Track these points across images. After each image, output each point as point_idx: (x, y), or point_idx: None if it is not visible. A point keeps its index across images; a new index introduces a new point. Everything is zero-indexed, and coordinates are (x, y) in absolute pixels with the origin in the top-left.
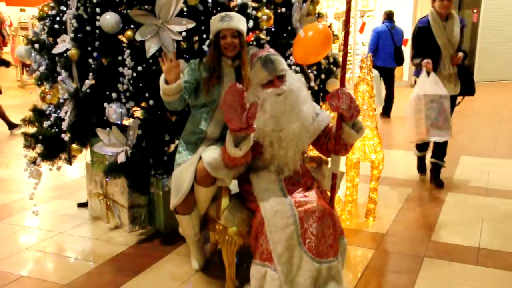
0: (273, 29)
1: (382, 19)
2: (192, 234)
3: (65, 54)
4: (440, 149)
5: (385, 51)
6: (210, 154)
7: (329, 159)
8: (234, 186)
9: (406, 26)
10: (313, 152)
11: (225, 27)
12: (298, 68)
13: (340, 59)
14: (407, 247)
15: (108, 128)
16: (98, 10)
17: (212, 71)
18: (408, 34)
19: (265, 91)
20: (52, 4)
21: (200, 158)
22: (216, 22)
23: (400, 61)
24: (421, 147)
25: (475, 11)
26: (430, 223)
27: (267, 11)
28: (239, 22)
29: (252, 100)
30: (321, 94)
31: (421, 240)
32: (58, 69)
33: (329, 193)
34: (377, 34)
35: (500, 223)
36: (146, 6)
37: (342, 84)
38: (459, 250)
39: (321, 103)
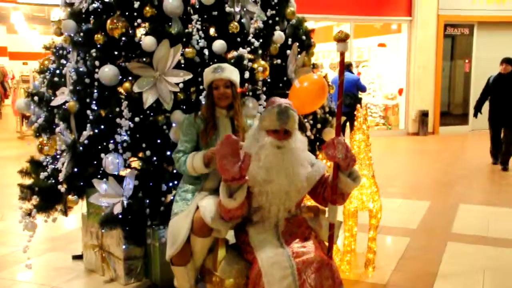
0: (269, 80)
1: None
2: (187, 287)
3: (63, 106)
4: None
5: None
6: (207, 204)
7: (326, 208)
8: (231, 237)
9: (401, 77)
10: (310, 202)
11: (218, 77)
12: None
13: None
14: None
15: (104, 179)
16: (97, 63)
17: (207, 121)
18: (402, 84)
19: (266, 138)
20: (52, 58)
21: (197, 208)
22: (209, 73)
23: (350, 105)
24: None
25: (466, 61)
26: (431, 273)
27: (262, 62)
28: (231, 73)
29: (250, 141)
30: (317, 143)
31: None
32: (56, 120)
33: (327, 243)
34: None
35: (502, 273)
36: (144, 59)
37: (338, 133)
38: None
39: (317, 152)
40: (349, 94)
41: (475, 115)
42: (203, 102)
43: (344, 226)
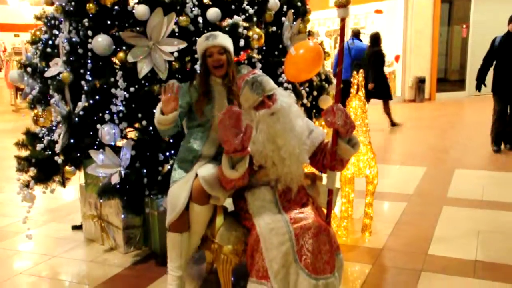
0: (264, 48)
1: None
2: (176, 265)
3: (57, 77)
4: None
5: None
6: (206, 171)
7: (324, 175)
8: (229, 204)
9: (397, 43)
10: (307, 169)
11: (211, 44)
12: (290, 86)
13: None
14: (404, 262)
15: (101, 150)
16: (90, 33)
17: (202, 90)
18: (399, 51)
19: (258, 113)
20: (44, 29)
21: (196, 175)
22: (202, 42)
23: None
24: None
25: (464, 26)
26: (426, 237)
27: (258, 30)
28: (225, 40)
29: (246, 123)
30: (314, 111)
31: (418, 254)
32: (50, 92)
33: (324, 210)
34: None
35: (496, 235)
36: (137, 28)
37: (337, 100)
38: (456, 263)
39: (314, 120)
40: (358, 63)
41: (478, 87)
42: (198, 71)
43: (341, 193)
